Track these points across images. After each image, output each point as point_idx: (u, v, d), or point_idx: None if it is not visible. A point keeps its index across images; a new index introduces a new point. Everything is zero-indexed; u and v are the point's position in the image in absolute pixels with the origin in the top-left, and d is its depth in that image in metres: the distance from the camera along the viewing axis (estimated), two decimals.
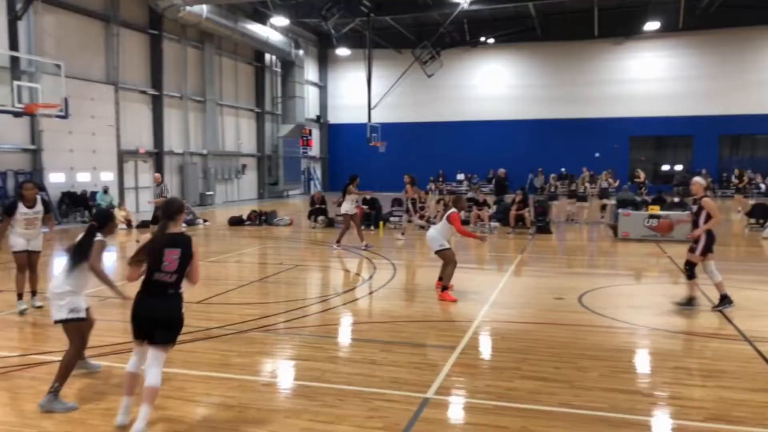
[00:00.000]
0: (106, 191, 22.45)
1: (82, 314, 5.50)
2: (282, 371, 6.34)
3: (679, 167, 37.55)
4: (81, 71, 22.17)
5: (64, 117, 18.58)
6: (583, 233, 19.16)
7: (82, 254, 5.43)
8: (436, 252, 9.63)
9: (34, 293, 8.76)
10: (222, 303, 9.21)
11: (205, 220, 21.71)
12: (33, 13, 19.54)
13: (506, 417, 5.03)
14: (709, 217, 8.34)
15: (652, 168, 38.15)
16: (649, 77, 36.87)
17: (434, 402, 5.36)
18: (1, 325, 8.07)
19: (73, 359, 5.45)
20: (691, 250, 8.56)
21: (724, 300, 8.42)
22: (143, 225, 20.23)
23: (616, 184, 24.93)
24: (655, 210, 16.69)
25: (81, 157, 22.78)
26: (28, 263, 8.48)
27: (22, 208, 8.21)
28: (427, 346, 7.09)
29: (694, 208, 8.85)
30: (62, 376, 5.29)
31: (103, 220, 5.68)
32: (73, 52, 21.94)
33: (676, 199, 17.96)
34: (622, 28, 35.64)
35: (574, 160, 35.29)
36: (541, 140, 38.58)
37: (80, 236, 5.55)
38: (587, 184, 23.47)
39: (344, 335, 7.83)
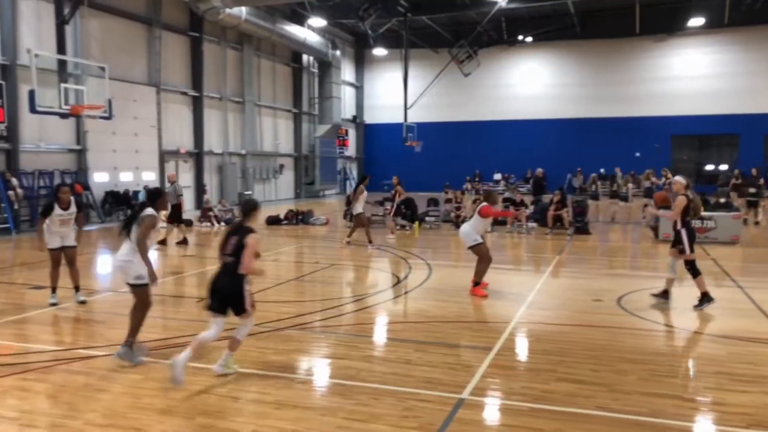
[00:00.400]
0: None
1: (145, 280, 6.34)
2: (318, 369, 6.39)
3: (723, 167, 36.51)
4: (124, 73, 22.72)
5: (108, 118, 19.05)
6: (622, 234, 18.80)
7: (135, 226, 6.27)
8: (470, 247, 9.80)
9: (77, 288, 9.11)
10: (259, 301, 9.28)
11: None
12: (79, 17, 20.09)
13: (542, 419, 4.97)
14: (683, 213, 8.69)
15: (695, 168, 37.21)
16: (692, 74, 35.96)
17: (469, 403, 5.33)
18: (45, 319, 8.33)
19: (141, 317, 6.37)
20: (681, 252, 8.81)
21: (665, 294, 8.96)
22: (184, 223, 20.62)
23: (662, 182, 24.35)
24: None
25: (124, 157, 23.34)
26: (66, 258, 8.96)
27: (57, 209, 8.71)
28: (462, 347, 7.06)
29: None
30: (133, 330, 6.31)
31: (154, 197, 6.51)
32: (117, 54, 22.50)
33: (723, 200, 17.43)
34: (664, 24, 34.83)
35: (614, 159, 34.58)
36: (579, 140, 37.99)
37: (133, 211, 6.44)
38: (630, 185, 23.01)
39: (379, 334, 7.85)
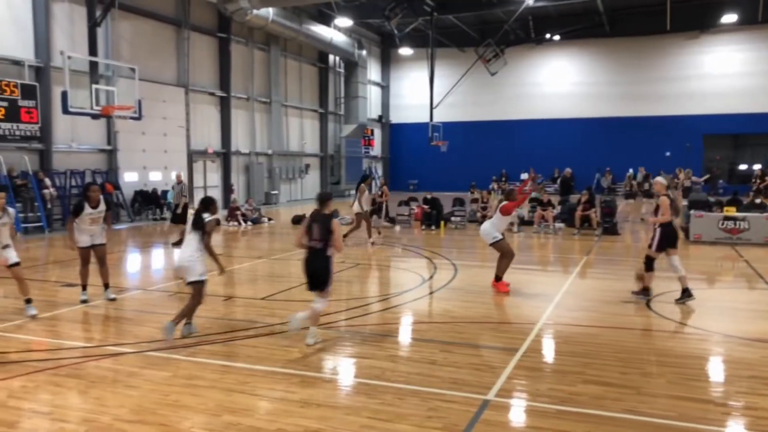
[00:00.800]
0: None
1: (206, 277, 7.29)
2: (342, 368, 6.41)
3: (757, 166, 35.71)
4: (153, 74, 23.05)
5: (138, 118, 19.36)
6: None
7: (200, 230, 7.20)
8: (491, 244, 9.98)
9: (106, 286, 9.29)
10: (285, 300, 9.39)
11: (269, 219, 22.18)
12: (110, 19, 20.45)
13: (569, 422, 4.92)
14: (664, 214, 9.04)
15: (728, 167, 36.48)
16: (725, 72, 35.22)
17: (494, 404, 5.30)
18: (76, 316, 8.49)
19: (193, 307, 7.26)
20: (649, 246, 9.21)
21: (685, 293, 8.92)
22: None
23: (702, 180, 23.97)
24: (731, 211, 15.95)
25: (153, 156, 23.69)
26: (96, 256, 9.14)
27: (87, 208, 8.87)
28: (488, 348, 7.02)
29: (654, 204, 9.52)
30: (181, 315, 7.16)
31: (207, 204, 7.39)
32: (147, 56, 22.84)
33: (758, 201, 17.05)
34: (696, 21, 34.20)
35: (643, 159, 34.13)
36: (608, 139, 37.50)
37: (193, 218, 7.33)
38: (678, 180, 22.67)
39: (404, 334, 7.84)
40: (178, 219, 15.84)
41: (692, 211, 16.44)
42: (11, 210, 8.31)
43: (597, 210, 18.53)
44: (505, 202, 9.99)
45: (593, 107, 38.08)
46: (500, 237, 9.90)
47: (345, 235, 15.76)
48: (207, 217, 7.25)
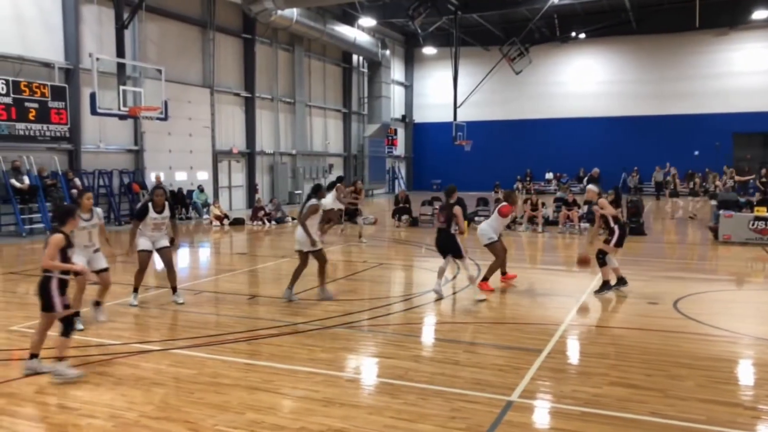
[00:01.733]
0: (201, 190, 23.54)
1: (318, 247, 9.20)
2: (365, 368, 6.42)
3: None
4: (179, 75, 23.34)
5: (164, 119, 19.63)
6: (680, 235, 18.22)
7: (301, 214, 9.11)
8: (486, 245, 10.13)
9: (174, 290, 9.14)
10: (308, 299, 9.43)
11: (293, 218, 22.29)
12: (138, 21, 20.75)
13: (593, 424, 4.87)
14: (614, 217, 9.63)
15: (758, 167, 35.74)
16: (755, 70, 34.54)
17: (518, 405, 5.26)
18: (120, 314, 8.61)
19: (323, 270, 9.49)
20: (606, 242, 9.58)
21: (605, 286, 9.53)
22: (236, 222, 21.09)
23: (748, 179, 23.53)
24: (762, 212, 15.62)
25: (178, 157, 23.98)
26: (164, 260, 8.98)
27: (152, 212, 8.76)
28: (512, 349, 6.97)
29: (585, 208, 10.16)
30: (322, 278, 9.48)
31: (316, 190, 9.30)
32: (173, 57, 23.14)
33: None
34: (726, 18, 33.58)
35: (671, 158, 33.59)
36: (635, 138, 37.03)
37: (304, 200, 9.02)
38: (719, 183, 22.30)
39: (427, 334, 7.83)
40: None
41: (721, 212, 16.13)
42: (98, 210, 7.88)
43: (623, 210, 18.27)
44: (503, 204, 10.20)
45: (620, 106, 37.63)
46: (496, 238, 10.02)
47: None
48: (312, 201, 9.10)
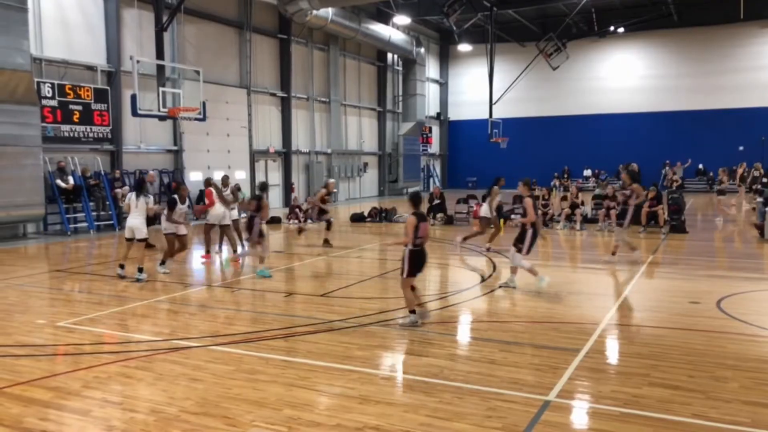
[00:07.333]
0: (239, 189, 23.80)
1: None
2: (401, 366, 6.42)
3: None
4: (217, 76, 23.69)
5: (202, 119, 19.95)
6: (722, 233, 17.74)
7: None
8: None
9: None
10: (344, 297, 9.48)
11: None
12: (176, 24, 21.14)
13: (633, 425, 4.77)
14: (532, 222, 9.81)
15: None
16: None
17: (555, 405, 5.20)
18: (144, 311, 8.81)
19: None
20: (518, 250, 9.76)
21: (511, 281, 9.93)
22: (273, 221, 21.30)
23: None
24: None
25: (217, 156, 24.34)
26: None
27: (179, 204, 11.41)
28: (549, 348, 6.88)
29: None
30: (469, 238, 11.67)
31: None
32: (211, 58, 23.50)
33: None
34: None
35: (714, 154, 32.77)
36: (676, 133, 36.18)
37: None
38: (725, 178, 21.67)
39: (463, 333, 7.79)
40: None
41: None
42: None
43: (664, 207, 17.89)
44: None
45: (660, 101, 36.83)
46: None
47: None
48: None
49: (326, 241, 15.17)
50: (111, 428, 4.84)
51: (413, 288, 7.81)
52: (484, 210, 14.55)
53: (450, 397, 5.36)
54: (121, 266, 11.09)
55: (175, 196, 11.56)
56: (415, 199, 7.94)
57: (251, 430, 4.78)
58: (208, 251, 13.37)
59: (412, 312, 7.74)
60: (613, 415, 4.97)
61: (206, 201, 13.64)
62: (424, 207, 8.53)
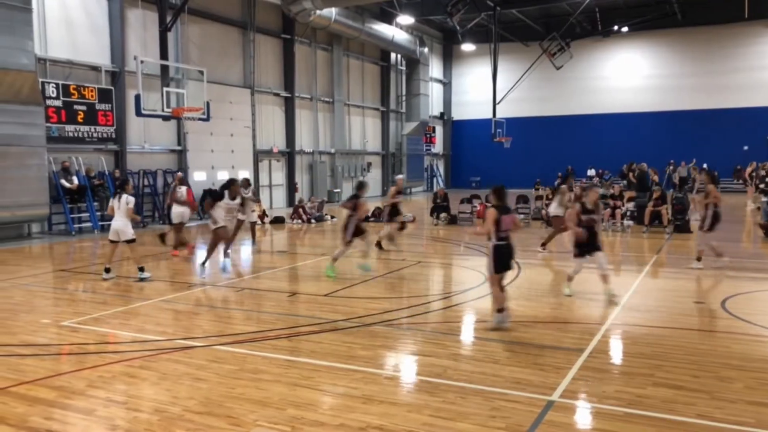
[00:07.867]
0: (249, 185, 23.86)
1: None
2: (404, 366, 6.42)
3: None
4: (221, 76, 23.72)
5: (206, 119, 19.98)
6: (728, 233, 17.66)
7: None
8: None
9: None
10: (347, 296, 9.49)
11: (332, 216, 22.45)
12: (180, 24, 21.18)
13: (636, 425, 4.77)
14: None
15: None
16: None
17: (559, 405, 5.19)
18: (148, 311, 8.83)
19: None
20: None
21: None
22: (276, 220, 21.32)
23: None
24: None
25: (220, 156, 24.39)
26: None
27: (226, 198, 11.62)
28: (553, 348, 6.87)
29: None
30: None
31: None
32: (214, 58, 23.53)
33: None
34: None
35: (718, 154, 32.68)
36: (680, 133, 36.08)
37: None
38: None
39: (466, 333, 7.78)
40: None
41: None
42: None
43: (668, 207, 17.85)
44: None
45: (664, 100, 36.75)
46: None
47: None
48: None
49: (390, 238, 14.30)
50: (115, 427, 4.85)
51: (502, 288, 7.58)
52: (554, 208, 14.22)
53: (453, 396, 5.36)
54: (107, 270, 10.93)
55: (226, 190, 11.63)
56: (498, 192, 7.66)
57: (255, 429, 4.79)
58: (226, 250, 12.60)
59: (499, 311, 7.49)
60: (617, 415, 4.96)
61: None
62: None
